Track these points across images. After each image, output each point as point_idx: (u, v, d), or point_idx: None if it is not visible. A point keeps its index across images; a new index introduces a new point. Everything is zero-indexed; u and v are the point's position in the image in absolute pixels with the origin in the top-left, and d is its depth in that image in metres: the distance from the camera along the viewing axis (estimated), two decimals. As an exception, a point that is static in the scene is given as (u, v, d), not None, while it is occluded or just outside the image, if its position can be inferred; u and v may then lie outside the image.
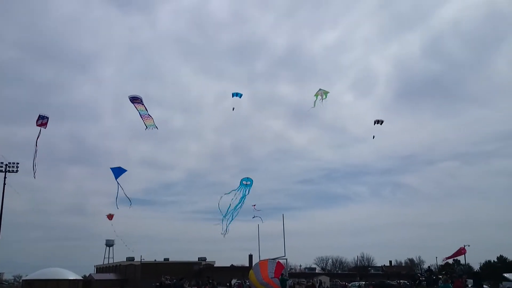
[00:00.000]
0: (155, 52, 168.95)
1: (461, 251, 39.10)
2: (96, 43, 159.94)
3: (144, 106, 21.57)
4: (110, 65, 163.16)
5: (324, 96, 31.03)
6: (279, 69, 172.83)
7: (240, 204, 32.87)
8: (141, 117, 21.68)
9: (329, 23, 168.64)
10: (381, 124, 30.65)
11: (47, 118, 21.70)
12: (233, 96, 30.39)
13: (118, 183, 24.48)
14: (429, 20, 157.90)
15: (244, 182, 34.74)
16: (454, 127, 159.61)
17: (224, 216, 33.06)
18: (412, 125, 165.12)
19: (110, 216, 35.61)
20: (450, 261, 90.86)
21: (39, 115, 21.68)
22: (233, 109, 30.75)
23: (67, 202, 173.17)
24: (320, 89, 31.21)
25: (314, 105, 31.12)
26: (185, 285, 27.40)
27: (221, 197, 32.79)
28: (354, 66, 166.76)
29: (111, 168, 25.08)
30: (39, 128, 22.99)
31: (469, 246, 43.90)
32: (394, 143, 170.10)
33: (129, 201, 22.95)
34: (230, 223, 32.98)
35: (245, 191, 33.65)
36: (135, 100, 21.35)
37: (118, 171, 24.92)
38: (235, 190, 33.48)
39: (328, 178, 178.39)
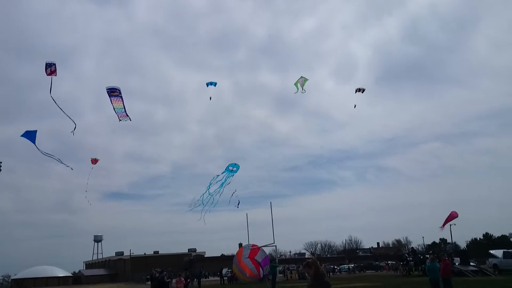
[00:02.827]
0: (134, 45, 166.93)
1: (453, 215, 39.72)
2: (73, 38, 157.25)
3: (122, 100, 21.04)
4: (89, 59, 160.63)
5: (303, 84, 31.18)
6: (260, 57, 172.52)
7: (221, 189, 32.40)
8: (117, 115, 21.18)
9: (308, 9, 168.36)
10: (362, 92, 30.67)
11: (55, 64, 20.64)
12: (207, 85, 30.24)
13: (36, 146, 23.51)
14: (407, 3, 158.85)
15: (230, 168, 34.63)
16: (435, 109, 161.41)
17: (202, 202, 32.33)
18: (394, 108, 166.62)
19: (94, 161, 34.28)
20: (437, 240, 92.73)
21: (46, 63, 20.70)
22: (210, 98, 30.58)
23: (53, 199, 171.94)
24: (301, 77, 31.34)
25: (297, 90, 31.27)
26: (165, 278, 27.47)
27: (210, 184, 32.34)
28: (334, 53, 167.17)
29: (22, 135, 23.89)
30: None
31: (455, 225, 44.70)
32: (376, 127, 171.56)
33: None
34: (206, 209, 32.35)
35: (228, 177, 33.26)
36: (113, 92, 20.73)
37: (30, 135, 23.75)
38: (218, 175, 33.09)
39: (314, 164, 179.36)
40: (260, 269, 43.06)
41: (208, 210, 32.46)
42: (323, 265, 63.90)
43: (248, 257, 43.26)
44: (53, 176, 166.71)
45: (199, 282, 45.46)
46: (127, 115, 21.22)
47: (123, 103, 20.84)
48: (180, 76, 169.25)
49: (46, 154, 24.32)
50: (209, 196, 31.84)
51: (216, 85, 31.31)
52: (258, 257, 44.12)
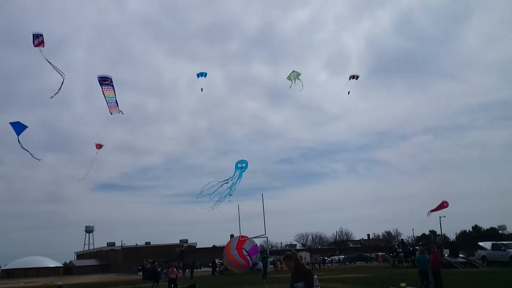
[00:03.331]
0: (126, 35, 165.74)
1: (444, 204, 40.13)
2: (64, 28, 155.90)
3: (114, 89, 20.77)
4: (80, 49, 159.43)
5: (297, 78, 31.20)
6: (252, 49, 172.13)
7: (235, 186, 32.81)
8: (107, 105, 20.88)
9: (301, 1, 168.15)
10: (356, 79, 30.63)
11: (42, 35, 20.23)
12: (198, 76, 30.16)
13: (18, 139, 23.37)
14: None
15: (239, 165, 34.99)
16: (427, 102, 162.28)
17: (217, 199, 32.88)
18: (386, 101, 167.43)
19: (98, 146, 34.01)
20: (427, 232, 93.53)
21: (33, 34, 20.32)
22: (201, 89, 30.53)
23: (43, 190, 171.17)
24: (293, 71, 31.36)
25: (292, 83, 31.26)
26: (157, 268, 27.64)
27: (221, 185, 32.65)
28: (327, 44, 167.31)
29: (10, 123, 23.70)
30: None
31: (444, 217, 45.17)
32: (368, 120, 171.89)
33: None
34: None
35: (240, 174, 33.70)
36: (104, 81, 20.45)
37: (18, 127, 23.54)
38: (231, 177, 33.64)
39: (305, 157, 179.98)
40: (249, 258, 43.34)
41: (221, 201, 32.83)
42: (313, 256, 64.58)
43: (236, 248, 43.51)
44: (43, 167, 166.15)
45: (191, 273, 45.65)
46: (118, 107, 20.97)
47: (114, 92, 20.59)
48: (172, 67, 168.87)
49: (24, 148, 24.05)
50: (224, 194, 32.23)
51: (208, 76, 31.24)
52: (246, 246, 44.42)
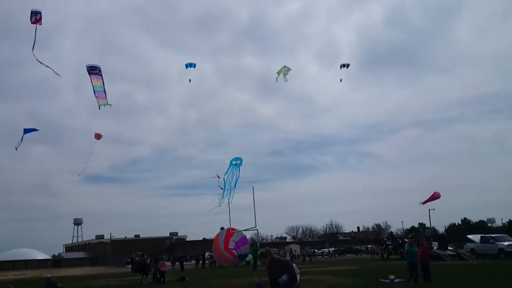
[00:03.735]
0: (114, 25, 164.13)
1: (436, 195, 40.43)
2: (52, 17, 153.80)
3: (102, 79, 20.43)
4: (68, 39, 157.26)
5: (287, 73, 31.18)
6: (243, 40, 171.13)
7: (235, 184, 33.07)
8: (95, 94, 20.48)
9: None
10: (347, 68, 30.55)
11: (40, 13, 19.72)
12: (187, 67, 29.87)
13: (22, 137, 23.37)
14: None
15: (234, 162, 35.04)
16: (417, 95, 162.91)
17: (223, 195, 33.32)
18: (376, 94, 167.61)
19: (97, 136, 33.47)
20: (416, 225, 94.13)
21: (31, 11, 19.84)
22: (189, 80, 30.23)
23: (32, 182, 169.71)
24: (284, 66, 31.35)
25: (278, 76, 31.18)
26: (147, 260, 27.53)
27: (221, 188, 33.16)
28: (318, 37, 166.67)
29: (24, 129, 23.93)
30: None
31: (434, 210, 45.30)
32: (359, 113, 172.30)
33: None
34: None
35: (236, 171, 33.87)
36: (93, 70, 20.12)
37: (29, 131, 23.74)
38: (226, 173, 33.73)
39: (296, 149, 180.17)
40: (235, 252, 43.53)
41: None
42: (304, 249, 64.74)
43: (224, 241, 43.61)
44: (32, 159, 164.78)
45: (181, 266, 45.47)
46: (107, 98, 20.61)
47: (103, 82, 20.28)
48: (162, 57, 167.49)
49: (17, 145, 23.93)
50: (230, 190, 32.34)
51: (198, 68, 31.01)
52: (235, 237, 44.52)
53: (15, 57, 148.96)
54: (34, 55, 19.76)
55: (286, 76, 31.00)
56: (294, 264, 6.76)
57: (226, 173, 34.23)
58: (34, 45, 19.90)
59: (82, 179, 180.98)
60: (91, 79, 20.20)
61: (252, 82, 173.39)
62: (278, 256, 7.33)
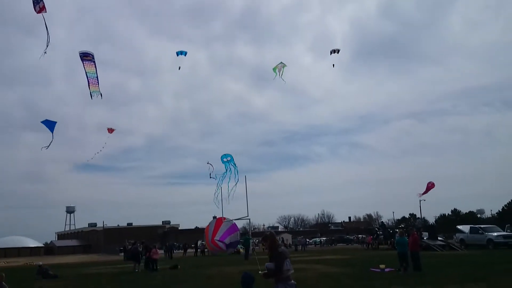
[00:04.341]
0: (107, 13, 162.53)
1: (430, 186, 41.18)
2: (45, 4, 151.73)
3: (95, 65, 20.22)
4: (60, 27, 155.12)
5: (282, 70, 31.32)
6: (236, 30, 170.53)
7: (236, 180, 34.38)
8: (88, 81, 20.23)
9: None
10: (337, 53, 30.42)
11: (42, 0, 19.18)
12: (177, 54, 29.73)
13: (52, 135, 23.28)
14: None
15: (225, 159, 35.62)
16: (409, 86, 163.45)
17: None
18: (369, 85, 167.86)
19: (110, 130, 33.74)
20: (407, 215, 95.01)
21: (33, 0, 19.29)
22: (179, 68, 30.10)
23: (23, 169, 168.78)
24: (280, 62, 31.45)
25: (276, 75, 31.41)
26: (139, 248, 27.67)
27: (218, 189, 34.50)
28: (311, 27, 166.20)
29: (42, 122, 23.78)
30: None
31: (424, 200, 45.70)
32: (351, 104, 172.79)
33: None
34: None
35: (231, 167, 34.86)
36: (86, 57, 19.89)
37: (50, 124, 23.63)
38: (225, 173, 34.83)
39: (289, 140, 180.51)
40: (221, 244, 44.56)
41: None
42: (297, 238, 65.10)
43: (213, 231, 44.59)
44: (23, 146, 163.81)
45: (171, 254, 45.70)
46: (99, 85, 20.41)
47: (95, 68, 20.11)
48: (155, 46, 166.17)
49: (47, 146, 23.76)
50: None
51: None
52: (224, 226, 45.25)
53: (5, 44, 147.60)
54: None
55: (281, 73, 31.22)
56: (288, 260, 6.53)
57: (225, 172, 34.98)
58: (48, 42, 19.38)
59: (74, 167, 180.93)
60: (84, 65, 20.01)
61: (245, 72, 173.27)
62: (283, 246, 7.08)
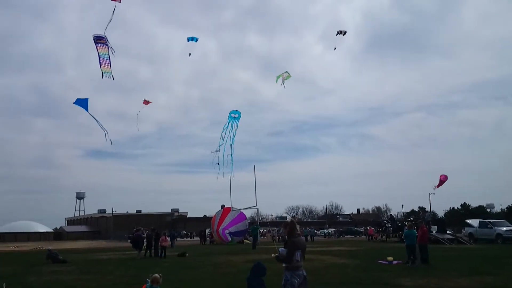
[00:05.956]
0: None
1: (442, 179, 41.22)
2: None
3: (108, 48, 20.17)
4: (71, 13, 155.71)
5: (286, 79, 31.35)
6: (247, 19, 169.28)
7: (233, 136, 33.94)
8: (100, 61, 20.15)
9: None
10: (344, 35, 29.67)
11: None
12: (188, 40, 29.65)
13: (91, 115, 23.30)
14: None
15: (233, 115, 35.21)
16: (420, 79, 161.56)
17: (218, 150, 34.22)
18: (380, 77, 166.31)
19: (146, 102, 33.96)
20: (416, 208, 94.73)
21: None
22: (189, 54, 30.02)
23: (33, 154, 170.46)
24: (285, 72, 31.58)
25: (277, 81, 31.50)
26: (142, 235, 27.88)
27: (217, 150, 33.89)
28: (323, 17, 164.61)
29: (74, 102, 23.77)
30: None
31: (434, 194, 45.45)
32: (362, 95, 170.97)
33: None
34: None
35: (234, 123, 34.52)
36: (99, 40, 19.86)
37: (82, 102, 23.61)
38: (225, 126, 34.41)
39: (298, 130, 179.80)
40: (227, 234, 45.01)
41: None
42: (307, 228, 65.21)
43: (219, 221, 44.91)
44: (34, 131, 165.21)
45: (172, 242, 45.89)
46: (111, 67, 20.35)
47: (108, 51, 20.07)
48: (165, 34, 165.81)
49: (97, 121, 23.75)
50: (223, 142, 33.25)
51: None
52: (231, 215, 45.53)
53: (16, 29, 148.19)
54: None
55: (284, 82, 31.31)
56: (300, 251, 6.67)
57: (226, 126, 34.58)
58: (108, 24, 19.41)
59: (84, 153, 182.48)
60: (96, 48, 19.97)
61: (255, 61, 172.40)
62: (301, 236, 7.31)
